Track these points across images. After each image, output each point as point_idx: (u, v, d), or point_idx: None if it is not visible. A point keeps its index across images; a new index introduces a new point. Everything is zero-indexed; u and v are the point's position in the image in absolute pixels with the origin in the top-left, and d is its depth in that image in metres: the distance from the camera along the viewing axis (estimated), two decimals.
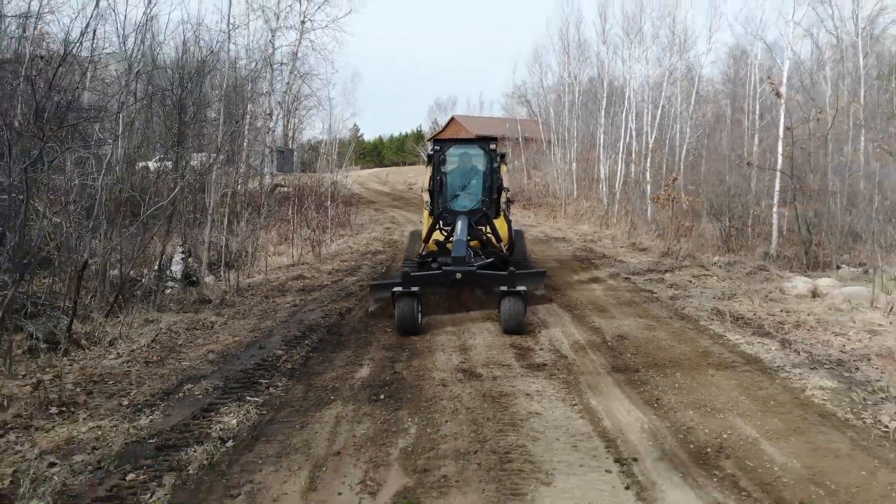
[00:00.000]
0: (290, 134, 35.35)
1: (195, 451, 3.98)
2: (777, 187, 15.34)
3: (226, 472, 3.74)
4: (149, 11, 8.41)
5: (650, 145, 23.03)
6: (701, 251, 13.98)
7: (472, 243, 8.62)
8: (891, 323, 7.69)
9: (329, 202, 19.29)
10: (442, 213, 9.18)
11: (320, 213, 18.50)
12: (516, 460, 3.82)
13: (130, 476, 3.69)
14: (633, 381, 5.40)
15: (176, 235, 10.64)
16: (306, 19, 27.01)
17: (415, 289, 7.09)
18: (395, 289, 7.12)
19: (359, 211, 24.03)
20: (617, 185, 23.11)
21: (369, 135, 69.67)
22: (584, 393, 5.10)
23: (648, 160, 22.74)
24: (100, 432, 4.34)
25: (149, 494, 3.48)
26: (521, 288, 7.12)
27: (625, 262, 13.03)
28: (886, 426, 4.54)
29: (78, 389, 5.20)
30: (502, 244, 9.31)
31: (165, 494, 3.49)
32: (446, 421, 4.49)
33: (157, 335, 6.84)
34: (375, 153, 69.15)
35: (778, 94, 15.10)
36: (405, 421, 4.52)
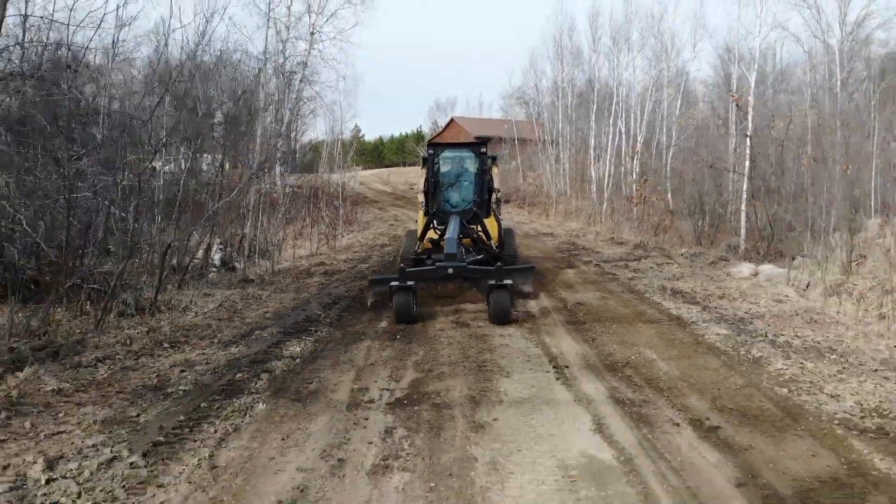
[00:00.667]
0: (294, 135, 37.32)
1: (276, 363, 6.01)
2: (745, 187, 17.26)
3: (300, 373, 5.77)
4: (201, 45, 10.32)
5: (637, 147, 24.83)
6: (673, 245, 15.89)
7: (464, 241, 9.20)
8: (800, 295, 9.70)
9: (339, 201, 21.35)
10: (436, 213, 9.84)
11: (331, 212, 20.55)
12: (489, 366, 5.86)
13: (238, 375, 5.69)
14: (579, 329, 7.41)
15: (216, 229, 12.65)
16: (315, 31, 29.02)
17: (410, 283, 7.72)
18: (393, 283, 7.76)
19: (364, 209, 26.06)
20: (605, 186, 24.95)
21: (370, 135, 71.07)
22: (542, 335, 7.12)
23: (634, 162, 24.57)
24: (205, 356, 6.35)
25: (254, 383, 5.48)
26: (508, 282, 7.68)
27: (601, 252, 15.01)
28: (753, 356, 6.50)
29: (177, 334, 7.20)
30: (492, 242, 10.09)
31: (264, 384, 5.49)
32: (443, 348, 6.55)
33: (221, 303, 8.85)
34: (376, 153, 70.38)
35: (739, 107, 17.06)
36: (415, 349, 6.58)
